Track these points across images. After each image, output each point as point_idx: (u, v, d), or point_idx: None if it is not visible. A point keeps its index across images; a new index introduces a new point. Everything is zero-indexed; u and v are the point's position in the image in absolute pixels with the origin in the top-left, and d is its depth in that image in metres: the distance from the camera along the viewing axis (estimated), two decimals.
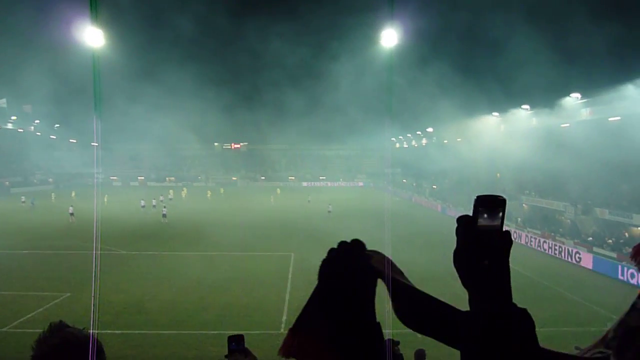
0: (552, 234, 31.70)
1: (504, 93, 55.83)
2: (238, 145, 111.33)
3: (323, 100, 78.95)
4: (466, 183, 57.67)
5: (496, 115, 56.87)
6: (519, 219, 37.49)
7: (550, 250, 29.34)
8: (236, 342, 2.46)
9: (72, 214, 39.74)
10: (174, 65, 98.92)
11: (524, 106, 50.72)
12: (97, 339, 1.64)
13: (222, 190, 75.40)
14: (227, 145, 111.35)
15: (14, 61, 74.57)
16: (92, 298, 18.46)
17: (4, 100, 75.49)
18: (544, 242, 30.33)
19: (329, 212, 44.09)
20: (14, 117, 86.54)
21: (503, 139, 55.13)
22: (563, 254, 27.97)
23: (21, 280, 21.45)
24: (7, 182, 73.89)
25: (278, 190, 70.80)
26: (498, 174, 53.21)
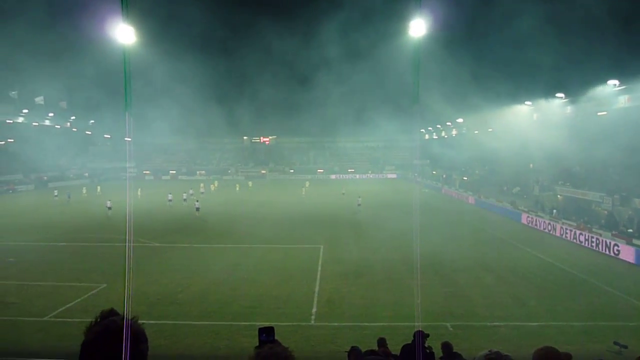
0: (589, 225, 30.76)
1: (537, 82, 54.34)
2: (267, 139, 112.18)
3: (351, 92, 78.50)
4: (498, 174, 56.59)
5: (529, 105, 55.48)
6: (554, 211, 36.50)
7: (586, 242, 28.50)
8: (267, 334, 2.47)
9: (109, 208, 40.74)
10: (203, 60, 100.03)
11: (558, 94, 49.30)
12: (140, 328, 1.70)
13: (250, 184, 76.13)
14: (256, 139, 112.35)
15: (49, 59, 76.84)
16: (126, 289, 18.94)
17: (42, 97, 77.96)
18: (580, 234, 29.46)
19: (359, 205, 43.95)
20: (51, 114, 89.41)
21: (536, 128, 53.74)
22: (600, 247, 27.12)
23: (59, 271, 22.23)
24: (45, 177, 76.53)
25: (307, 183, 70.99)
26: (531, 165, 51.97)
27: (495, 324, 15.53)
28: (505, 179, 53.47)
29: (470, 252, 26.45)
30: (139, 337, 1.68)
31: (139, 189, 63.56)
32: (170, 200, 47.62)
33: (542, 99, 52.83)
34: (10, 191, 66.48)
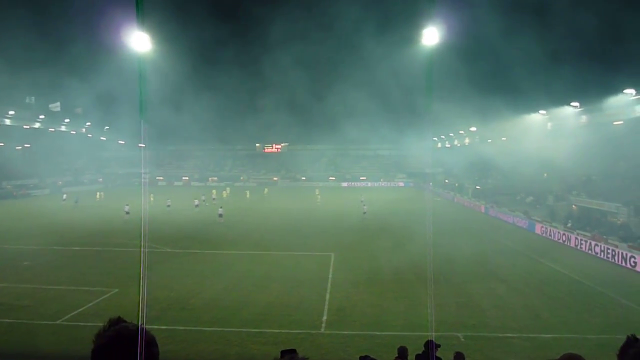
0: (604, 236, 30.29)
1: (551, 90, 53.84)
2: (279, 146, 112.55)
3: (363, 99, 78.54)
4: (511, 183, 56.06)
5: (543, 113, 55.02)
6: (569, 221, 36.02)
7: (602, 253, 28.06)
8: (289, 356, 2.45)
9: (127, 213, 41.05)
10: (216, 68, 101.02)
11: (572, 103, 48.81)
12: (150, 333, 1.73)
13: (266, 190, 76.31)
14: (268, 146, 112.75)
15: (66, 65, 78.10)
16: (141, 294, 19.05)
17: (58, 103, 79.27)
18: (595, 245, 29.02)
19: (364, 213, 43.68)
20: (67, 120, 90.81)
21: (550, 137, 53.29)
22: (616, 258, 26.67)
23: (72, 275, 22.42)
24: (60, 182, 77.55)
25: (317, 191, 70.91)
26: (545, 174, 51.43)
27: (507, 335, 15.33)
28: (519, 189, 52.95)
29: (483, 261, 26.19)
30: (150, 341, 1.72)
31: (151, 195, 64.09)
32: (168, 206, 48.02)
33: (557, 108, 52.37)
34: (26, 195, 67.42)
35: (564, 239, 32.89)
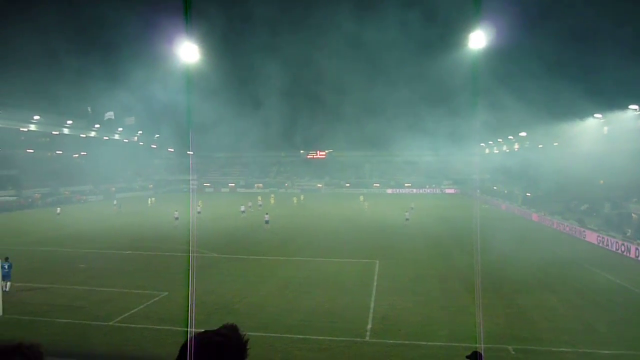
0: None
1: (608, 93, 51.40)
2: (323, 153, 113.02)
3: (410, 105, 77.66)
4: (564, 190, 53.82)
5: (598, 117, 52.58)
6: (629, 230, 34.12)
7: None
8: None
9: (177, 218, 42.34)
10: (262, 76, 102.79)
11: (631, 106, 46.40)
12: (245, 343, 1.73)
13: (302, 197, 76.73)
14: (312, 153, 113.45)
15: (120, 76, 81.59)
16: (189, 298, 19.51)
17: (112, 112, 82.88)
18: None
19: (407, 219, 43.08)
20: (120, 129, 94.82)
21: (607, 142, 50.89)
22: None
23: (125, 278, 23.26)
24: (113, 188, 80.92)
25: (361, 198, 70.56)
26: (601, 181, 49.04)
27: (561, 349, 14.65)
28: (572, 196, 50.73)
29: (534, 271, 25.20)
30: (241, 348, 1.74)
31: (200, 201, 65.72)
32: (199, 212, 49.20)
33: (614, 111, 49.97)
34: (82, 201, 70.78)
35: (622, 249, 31.18)
